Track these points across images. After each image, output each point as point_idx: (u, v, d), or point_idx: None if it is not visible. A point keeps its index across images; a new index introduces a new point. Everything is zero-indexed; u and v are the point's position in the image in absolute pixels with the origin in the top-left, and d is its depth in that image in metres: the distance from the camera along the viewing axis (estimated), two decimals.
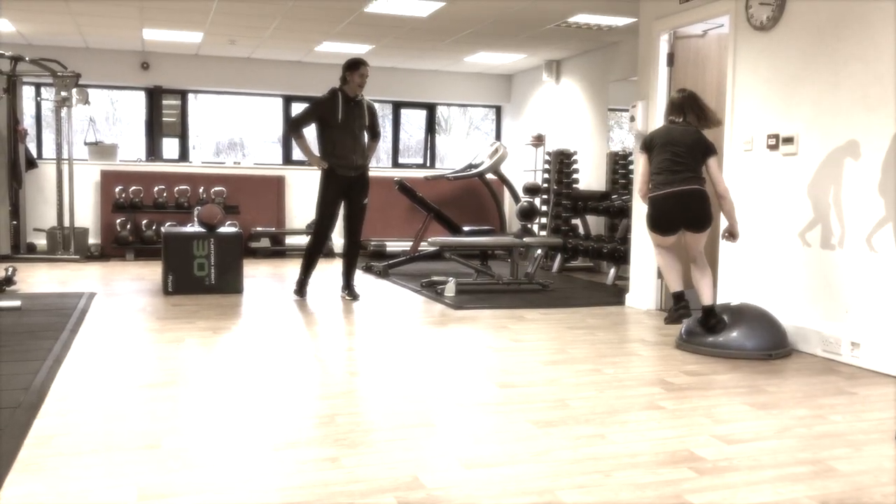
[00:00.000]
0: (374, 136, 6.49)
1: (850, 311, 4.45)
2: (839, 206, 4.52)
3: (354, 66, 6.22)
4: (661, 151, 4.57)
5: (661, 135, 4.66)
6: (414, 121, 11.64)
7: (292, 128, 6.39)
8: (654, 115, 6.12)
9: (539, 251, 8.04)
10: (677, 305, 4.71)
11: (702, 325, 4.65)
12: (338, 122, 6.14)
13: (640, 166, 4.73)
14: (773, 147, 4.97)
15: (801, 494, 2.52)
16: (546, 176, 9.29)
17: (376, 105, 6.65)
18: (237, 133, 11.10)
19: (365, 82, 6.25)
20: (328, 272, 6.77)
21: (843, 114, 4.49)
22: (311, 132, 6.37)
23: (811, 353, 4.67)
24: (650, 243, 6.15)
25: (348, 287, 6.50)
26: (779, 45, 4.94)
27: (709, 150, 4.55)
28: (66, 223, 9.07)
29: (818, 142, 4.66)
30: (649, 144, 4.67)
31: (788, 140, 4.86)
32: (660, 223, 4.64)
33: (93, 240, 9.63)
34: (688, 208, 4.52)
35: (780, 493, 2.53)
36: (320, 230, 6.40)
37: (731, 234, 4.72)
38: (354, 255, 6.53)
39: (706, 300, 4.66)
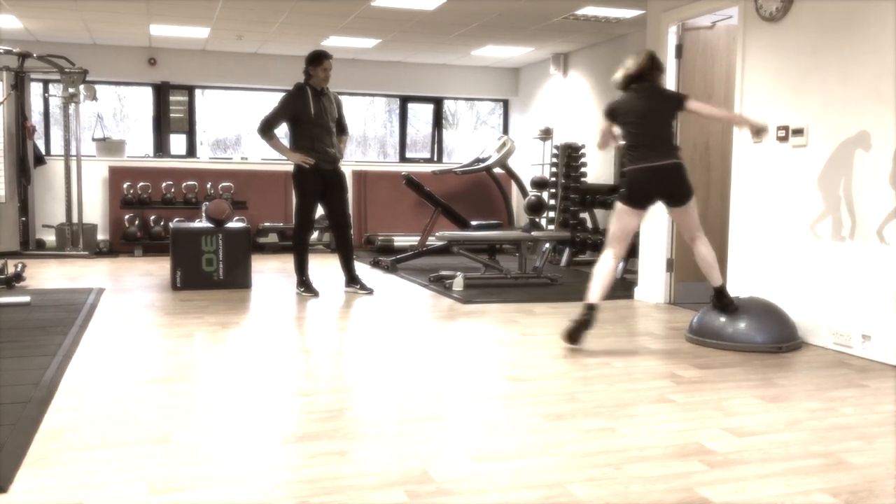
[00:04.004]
0: (343, 130, 6.44)
1: (860, 303, 4.42)
2: (849, 198, 4.49)
3: (317, 60, 6.15)
4: (630, 123, 4.48)
5: (623, 107, 4.53)
6: (421, 115, 11.62)
7: (264, 129, 6.20)
8: None
9: (547, 245, 8.04)
10: (585, 313, 4.44)
11: (715, 308, 4.62)
12: (311, 116, 6.09)
13: (603, 126, 4.72)
14: (783, 139, 4.94)
15: (813, 487, 2.50)
16: (554, 170, 9.27)
17: (342, 98, 6.59)
18: (244, 128, 11.11)
19: (329, 75, 6.18)
20: (336, 267, 6.77)
21: (853, 105, 4.46)
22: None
23: (822, 345, 4.65)
24: (660, 237, 6.15)
25: (353, 280, 6.49)
26: (788, 36, 4.91)
27: (679, 99, 4.51)
28: (75, 219, 9.10)
29: (828, 133, 4.63)
30: (614, 115, 4.59)
31: (798, 132, 4.83)
32: (635, 196, 4.50)
33: (101, 236, 9.65)
34: (667, 181, 4.43)
35: (791, 485, 2.51)
36: (303, 226, 6.35)
37: (758, 132, 4.46)
38: (350, 248, 6.50)
39: (715, 282, 4.61)
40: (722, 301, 4.61)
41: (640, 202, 4.54)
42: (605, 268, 4.56)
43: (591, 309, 4.48)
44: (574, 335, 4.45)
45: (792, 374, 4.05)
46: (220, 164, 10.29)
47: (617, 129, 4.64)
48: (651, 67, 4.52)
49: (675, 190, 4.47)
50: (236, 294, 6.39)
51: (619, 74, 4.60)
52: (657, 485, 2.50)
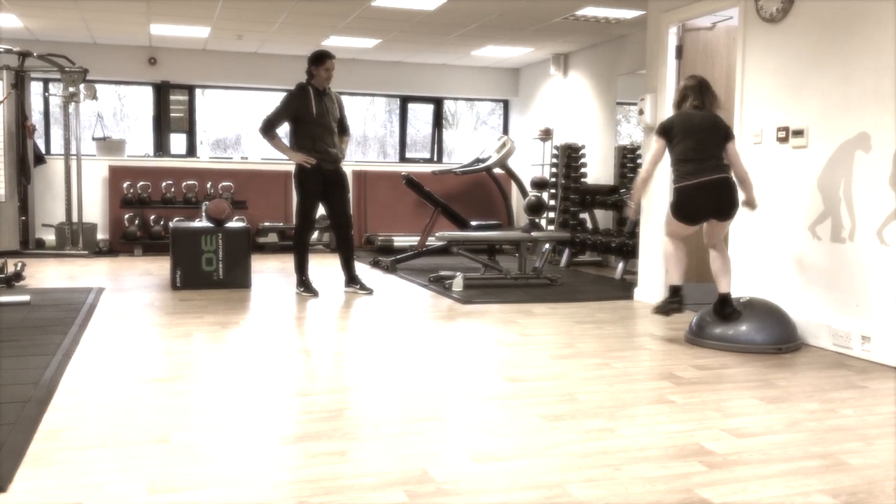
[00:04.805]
0: (345, 131, 6.43)
1: (860, 304, 4.43)
2: (849, 199, 4.49)
3: (320, 60, 6.15)
4: (684, 139, 4.55)
5: (681, 122, 4.61)
6: (421, 115, 11.62)
7: (266, 128, 6.20)
8: (663, 109, 6.09)
9: (547, 246, 8.03)
10: (672, 298, 4.76)
11: (717, 314, 4.64)
12: (312, 116, 6.09)
13: (652, 149, 4.73)
14: (783, 140, 4.94)
15: (813, 488, 2.50)
16: (554, 170, 9.27)
17: (343, 97, 6.60)
18: (244, 128, 11.11)
19: (331, 75, 6.18)
20: (336, 267, 6.78)
21: (853, 106, 4.46)
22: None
23: (821, 346, 4.65)
24: (659, 237, 6.14)
25: (353, 280, 6.49)
26: (788, 37, 4.91)
27: (729, 133, 4.62)
28: (75, 219, 9.10)
29: (828, 134, 4.63)
30: (668, 130, 4.63)
31: (798, 133, 4.83)
32: (688, 213, 4.62)
33: (101, 235, 9.64)
34: (718, 197, 4.54)
35: (791, 486, 2.51)
36: (304, 226, 6.35)
37: (749, 203, 4.72)
38: (351, 248, 6.50)
39: (723, 288, 4.64)
40: (725, 309, 4.61)
41: (692, 219, 4.64)
42: (670, 248, 4.75)
43: (677, 291, 4.71)
44: (667, 312, 4.80)
45: (791, 375, 4.05)
46: (220, 163, 10.29)
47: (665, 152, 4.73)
48: (712, 98, 4.65)
49: (725, 205, 4.57)
50: (236, 294, 6.39)
51: (679, 98, 4.74)
52: (657, 485, 2.50)
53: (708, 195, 4.53)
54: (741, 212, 5.25)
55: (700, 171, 4.51)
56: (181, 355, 4.25)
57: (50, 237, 9.38)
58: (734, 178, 4.60)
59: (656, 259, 6.21)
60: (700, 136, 4.53)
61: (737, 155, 4.66)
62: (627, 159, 8.74)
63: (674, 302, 4.75)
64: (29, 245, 9.11)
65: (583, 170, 8.98)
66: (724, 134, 4.58)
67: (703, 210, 4.60)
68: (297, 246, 6.46)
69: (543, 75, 10.43)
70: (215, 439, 2.87)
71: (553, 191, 9.15)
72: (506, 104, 11.70)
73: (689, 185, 4.54)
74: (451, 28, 8.40)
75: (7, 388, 3.41)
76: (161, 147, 10.35)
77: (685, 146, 4.55)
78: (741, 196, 4.70)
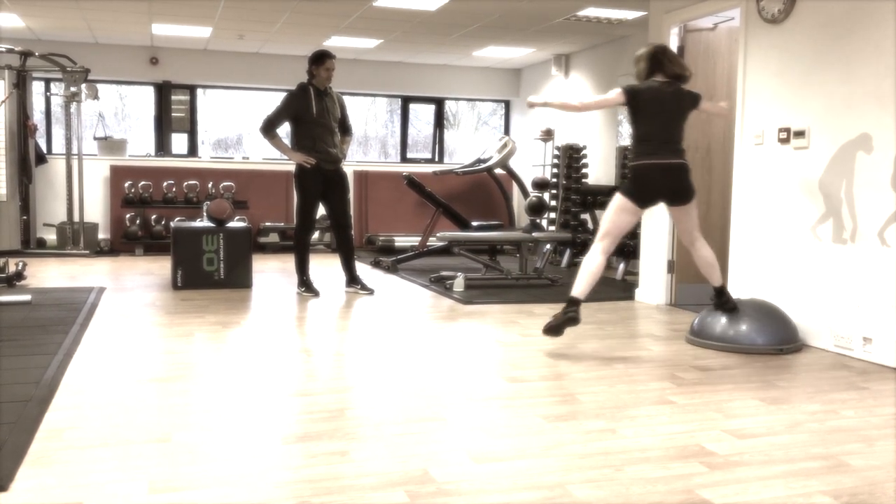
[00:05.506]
0: (347, 130, 6.44)
1: (861, 305, 4.42)
2: (851, 201, 4.49)
3: (320, 60, 6.15)
4: (651, 117, 4.39)
5: (650, 98, 4.39)
6: (422, 115, 11.62)
7: (267, 128, 6.21)
8: None
9: (548, 246, 8.03)
10: (569, 308, 4.44)
11: (716, 307, 4.63)
12: (313, 116, 6.10)
13: (608, 96, 4.54)
14: (784, 141, 4.94)
15: (814, 489, 2.50)
16: (555, 170, 9.27)
17: (345, 97, 6.61)
18: (246, 128, 11.11)
19: (332, 75, 6.19)
20: (337, 267, 6.78)
21: (855, 107, 4.46)
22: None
23: (822, 347, 4.64)
24: (660, 238, 6.14)
25: (354, 280, 6.49)
26: (790, 37, 4.91)
27: (696, 101, 4.48)
28: (76, 218, 9.10)
29: (830, 135, 4.63)
30: (636, 101, 4.40)
31: (799, 134, 4.83)
32: (642, 193, 4.43)
33: (102, 235, 9.65)
34: (673, 181, 4.39)
35: (792, 487, 2.51)
36: (305, 225, 6.36)
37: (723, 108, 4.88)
38: (351, 248, 6.50)
39: (716, 282, 4.61)
40: (722, 299, 4.61)
41: (645, 201, 4.49)
42: (593, 263, 4.48)
43: (576, 304, 4.44)
44: (557, 330, 4.46)
45: (792, 376, 4.05)
46: (221, 163, 10.29)
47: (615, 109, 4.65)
48: (682, 64, 4.52)
49: (680, 189, 4.43)
50: (237, 294, 6.39)
51: (644, 66, 4.47)
52: (658, 486, 2.50)
53: (664, 177, 4.39)
54: (742, 212, 5.27)
55: (661, 152, 4.38)
56: (182, 355, 4.25)
57: (51, 237, 9.39)
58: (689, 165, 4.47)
59: (657, 260, 6.21)
60: (667, 117, 4.40)
61: (710, 103, 4.76)
62: (629, 160, 8.73)
63: (570, 311, 4.42)
64: (30, 244, 9.12)
65: (584, 170, 8.98)
66: (691, 105, 4.45)
67: (658, 192, 4.45)
68: (297, 246, 6.47)
69: (545, 76, 10.43)
70: (216, 439, 2.87)
71: (554, 191, 9.15)
72: (507, 104, 11.70)
73: (647, 165, 4.40)
74: (453, 28, 8.41)
75: (8, 388, 3.42)
76: (162, 147, 10.35)
77: (650, 125, 4.40)
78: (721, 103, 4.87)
